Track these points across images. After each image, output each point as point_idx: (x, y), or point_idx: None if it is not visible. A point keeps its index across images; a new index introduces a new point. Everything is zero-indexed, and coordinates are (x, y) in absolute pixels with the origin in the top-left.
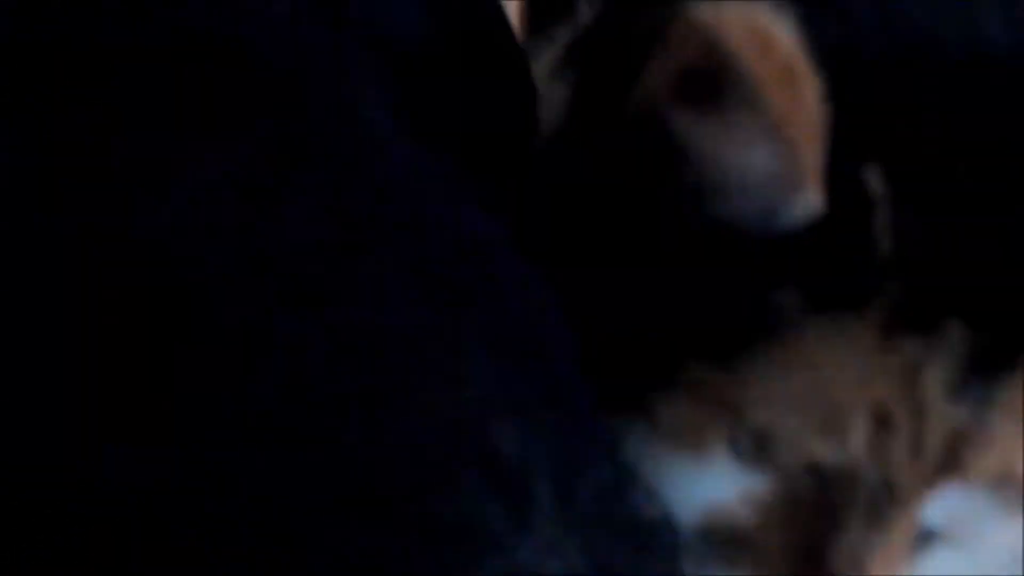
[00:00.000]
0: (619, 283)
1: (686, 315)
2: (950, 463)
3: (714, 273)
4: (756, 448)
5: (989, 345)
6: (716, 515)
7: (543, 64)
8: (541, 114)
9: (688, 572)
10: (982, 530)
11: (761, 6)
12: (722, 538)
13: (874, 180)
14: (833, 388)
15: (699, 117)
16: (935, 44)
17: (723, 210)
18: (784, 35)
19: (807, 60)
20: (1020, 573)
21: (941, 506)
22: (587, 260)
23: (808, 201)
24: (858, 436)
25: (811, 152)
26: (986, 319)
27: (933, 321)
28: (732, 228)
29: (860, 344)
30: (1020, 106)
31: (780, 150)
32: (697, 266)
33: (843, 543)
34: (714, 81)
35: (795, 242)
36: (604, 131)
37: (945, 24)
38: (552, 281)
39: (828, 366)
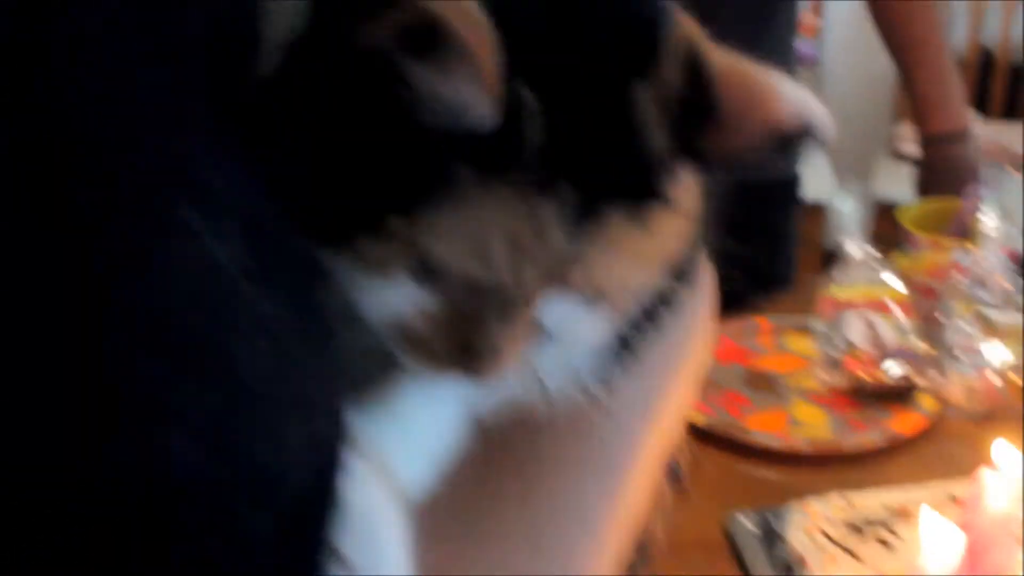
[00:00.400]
0: (331, 154)
1: (382, 182)
2: (559, 279)
3: (403, 148)
4: (429, 274)
5: (586, 199)
6: (401, 323)
7: None
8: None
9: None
10: (578, 329)
11: None
12: (405, 340)
13: (524, 92)
14: (485, 228)
15: (418, 59)
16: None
17: (426, 117)
18: None
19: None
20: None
21: (552, 310)
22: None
23: (488, 111)
24: (500, 260)
25: (491, 76)
26: (584, 183)
27: (552, 182)
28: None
29: (506, 198)
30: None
31: (475, 79)
32: (392, 147)
33: (486, 334)
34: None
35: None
36: (336, 50)
37: None
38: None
39: (484, 213)
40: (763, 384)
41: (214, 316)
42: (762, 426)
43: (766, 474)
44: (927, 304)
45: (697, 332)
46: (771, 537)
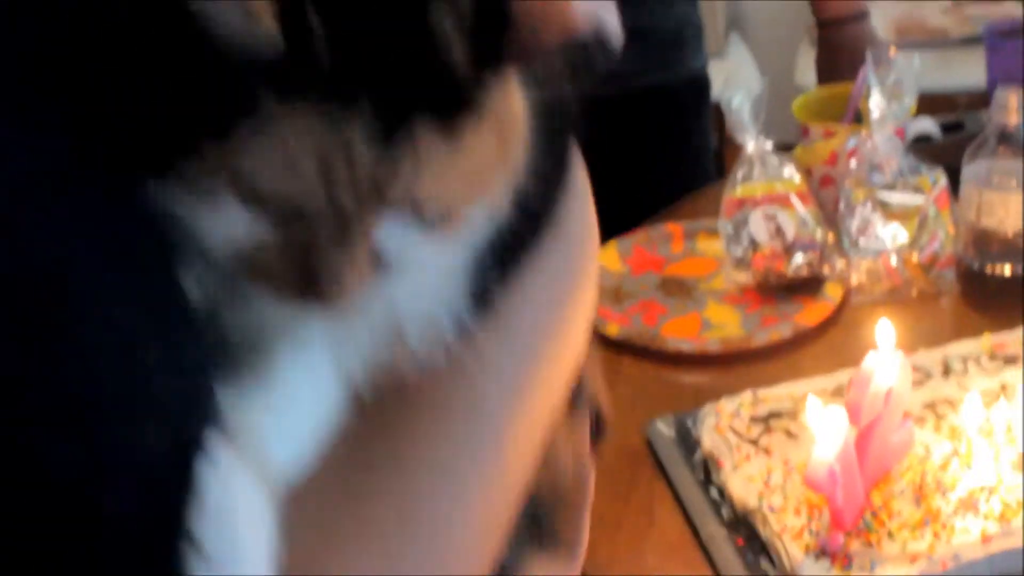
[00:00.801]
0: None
1: (190, 106)
2: (379, 198)
3: (203, 72)
4: (256, 199)
5: (391, 114)
6: (242, 254)
7: None
8: None
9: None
10: (422, 258)
11: None
12: (249, 271)
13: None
14: (293, 148)
15: None
16: None
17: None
18: None
19: None
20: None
21: (391, 238)
22: None
23: (262, 38)
24: (312, 179)
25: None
26: (387, 98)
27: (353, 99)
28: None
29: (309, 118)
30: None
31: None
32: (193, 72)
33: (324, 260)
34: None
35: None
36: None
37: None
38: None
39: (290, 133)
40: (677, 290)
41: (71, 316)
42: (676, 332)
43: (684, 378)
44: (826, 193)
45: (576, 266)
46: (687, 440)
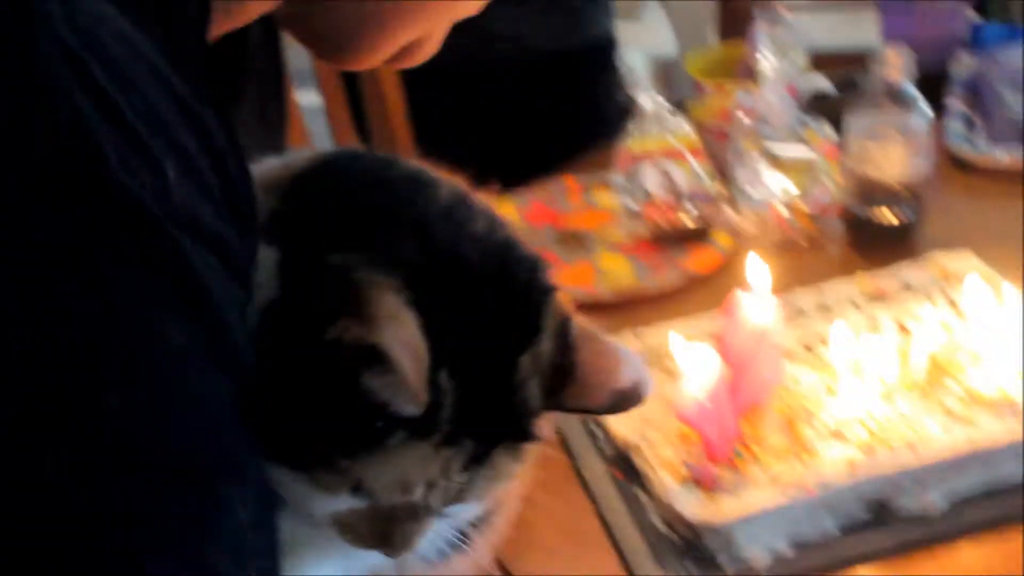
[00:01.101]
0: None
1: (336, 435)
2: (459, 501)
3: (353, 412)
4: (363, 494)
5: (482, 447)
6: (338, 517)
7: None
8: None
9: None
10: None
11: None
12: (339, 527)
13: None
14: (408, 472)
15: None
16: None
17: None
18: None
19: None
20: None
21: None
22: None
23: (413, 408)
24: (417, 493)
25: (418, 389)
26: (482, 435)
27: (459, 437)
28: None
29: (425, 451)
30: None
31: (405, 392)
32: (345, 411)
33: (402, 530)
34: None
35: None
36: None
37: None
38: None
39: (408, 462)
40: (573, 241)
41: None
42: (570, 280)
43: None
44: (718, 147)
45: None
46: None
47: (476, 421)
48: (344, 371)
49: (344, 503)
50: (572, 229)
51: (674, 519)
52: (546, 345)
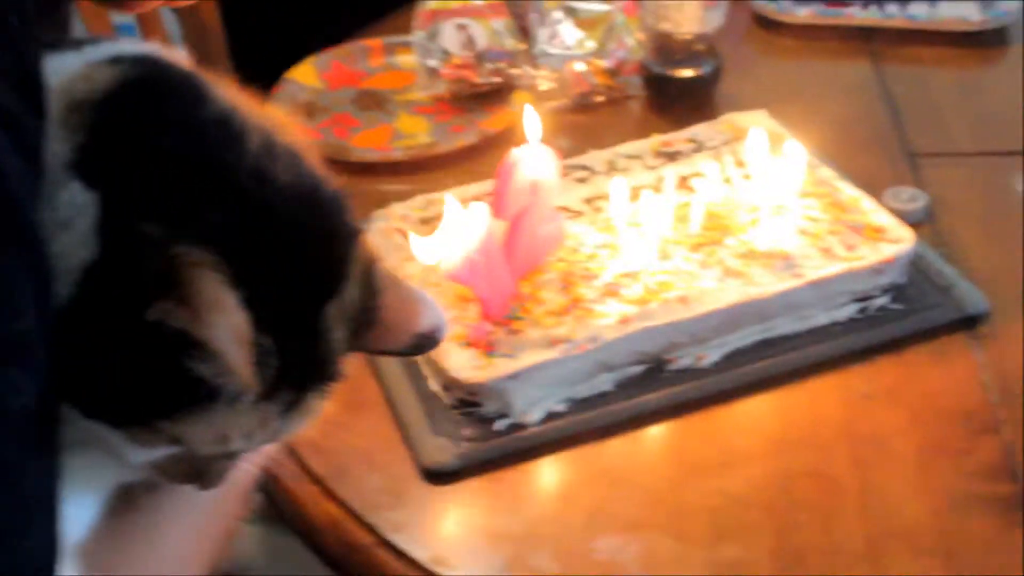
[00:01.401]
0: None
1: (155, 398)
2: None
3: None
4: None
5: (297, 395)
6: (154, 464)
7: None
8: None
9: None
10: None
11: None
12: (155, 469)
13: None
14: (227, 427)
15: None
16: None
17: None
18: None
19: None
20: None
21: None
22: None
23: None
24: (236, 444)
25: (245, 373)
26: (296, 385)
27: (276, 391)
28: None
29: (244, 408)
30: None
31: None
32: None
33: (217, 468)
34: None
35: None
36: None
37: None
38: None
39: (227, 419)
40: (372, 103)
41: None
42: (367, 143)
43: (372, 187)
44: (523, 5)
45: None
46: None
47: (290, 372)
48: (166, 352)
49: (160, 453)
50: (371, 89)
51: (450, 380)
52: (351, 293)
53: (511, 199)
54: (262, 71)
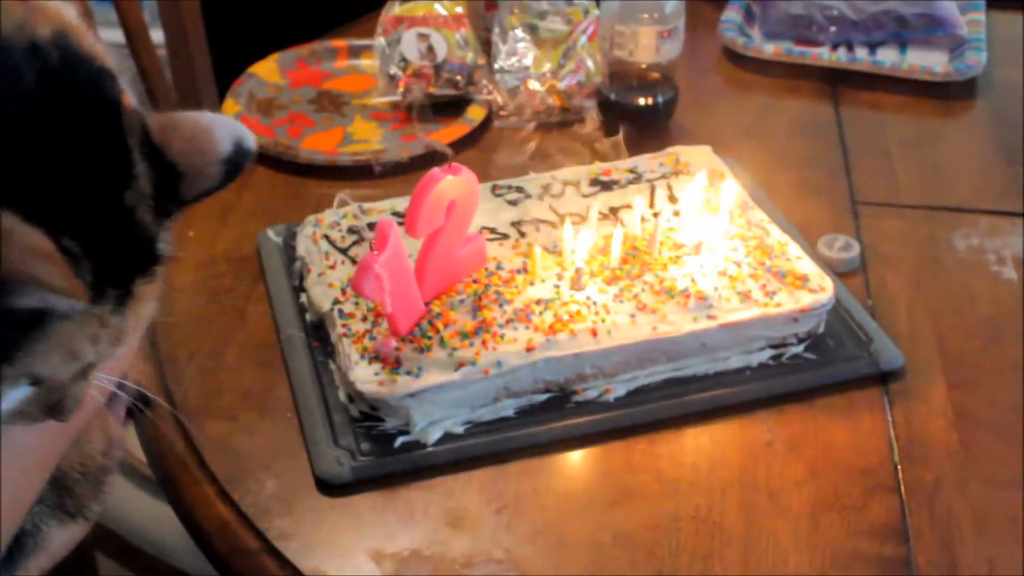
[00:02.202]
0: None
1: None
2: (119, 342)
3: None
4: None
5: (125, 288)
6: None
7: None
8: None
9: None
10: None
11: None
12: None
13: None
14: (72, 341)
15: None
16: None
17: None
18: None
19: None
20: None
21: None
22: None
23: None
24: (86, 354)
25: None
26: (122, 279)
27: (103, 291)
28: None
29: (81, 317)
30: None
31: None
32: None
33: (72, 395)
34: None
35: None
36: None
37: None
38: None
39: (67, 332)
40: (329, 104)
41: None
42: (317, 145)
43: (315, 191)
44: (490, 17)
45: None
46: (291, 249)
47: (108, 267)
48: None
49: (16, 396)
50: (331, 91)
51: (354, 392)
52: (140, 166)
53: (426, 218)
54: (241, 59)
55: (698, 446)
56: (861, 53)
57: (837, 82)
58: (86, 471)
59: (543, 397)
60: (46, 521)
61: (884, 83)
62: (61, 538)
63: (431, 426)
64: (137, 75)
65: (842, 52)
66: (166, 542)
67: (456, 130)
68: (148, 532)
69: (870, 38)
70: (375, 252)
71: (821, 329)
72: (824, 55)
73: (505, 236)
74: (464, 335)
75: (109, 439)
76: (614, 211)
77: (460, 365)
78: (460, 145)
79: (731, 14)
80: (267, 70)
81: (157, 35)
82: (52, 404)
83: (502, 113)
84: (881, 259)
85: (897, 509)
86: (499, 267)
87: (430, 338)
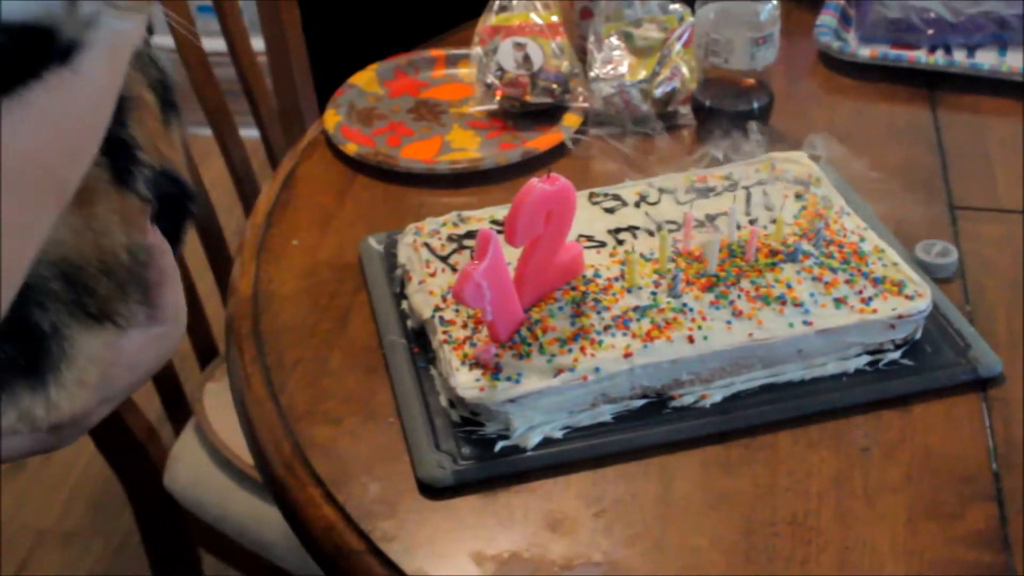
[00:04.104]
0: None
1: None
2: None
3: None
4: None
5: None
6: None
7: None
8: None
9: None
10: None
11: None
12: None
13: None
14: None
15: None
16: None
17: None
18: None
19: None
20: None
21: None
22: None
23: None
24: None
25: None
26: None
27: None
28: None
29: None
30: None
31: None
32: None
33: None
34: None
35: None
36: None
37: None
38: None
39: None
40: (427, 113)
41: None
42: (416, 153)
43: (415, 199)
44: (585, 25)
45: None
46: (392, 257)
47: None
48: None
49: None
50: (429, 100)
51: (455, 398)
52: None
53: (525, 227)
54: (341, 70)
55: (794, 452)
56: (959, 56)
57: (935, 85)
58: (106, 267)
59: (640, 403)
60: (64, 322)
61: (983, 86)
62: (91, 345)
63: (530, 431)
64: (238, 81)
65: (940, 55)
66: (270, 540)
67: (551, 137)
68: (251, 531)
69: (968, 40)
70: (475, 261)
71: (918, 335)
72: (921, 58)
73: (603, 244)
74: (562, 342)
75: (130, 235)
76: (710, 218)
77: (559, 371)
78: (556, 153)
79: (826, 18)
80: (366, 80)
81: (258, 43)
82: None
83: (598, 120)
84: (980, 264)
85: (996, 517)
86: (597, 275)
87: (529, 345)
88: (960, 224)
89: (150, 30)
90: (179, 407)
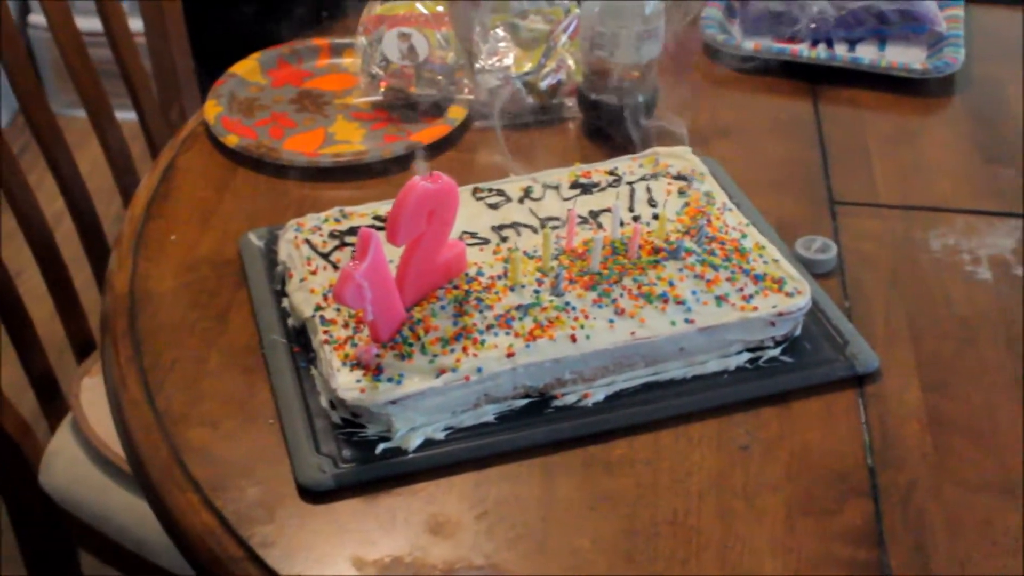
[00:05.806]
0: None
1: None
2: None
3: None
4: None
5: None
6: None
7: None
8: None
9: None
10: None
11: None
12: None
13: None
14: None
15: None
16: None
17: None
18: None
19: None
20: None
21: None
22: None
23: None
24: None
25: None
26: None
27: None
28: None
29: None
30: None
31: None
32: None
33: None
34: None
35: None
36: None
37: None
38: None
39: None
40: (311, 104)
41: None
42: (298, 146)
43: (296, 192)
44: (465, 16)
45: None
46: (273, 253)
47: None
48: None
49: None
50: (312, 90)
51: (336, 399)
52: None
53: (407, 227)
54: (223, 61)
55: (676, 450)
56: (840, 50)
57: (817, 79)
58: None
59: (523, 402)
60: None
61: (863, 80)
62: None
63: (412, 432)
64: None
65: (822, 49)
66: (150, 539)
67: (435, 130)
68: (131, 529)
69: (850, 34)
70: (356, 261)
71: (798, 332)
72: (803, 52)
73: (486, 241)
74: (445, 342)
75: None
76: (594, 215)
77: (441, 372)
78: (441, 145)
79: (712, 11)
80: (248, 69)
81: (136, 24)
82: None
83: (483, 113)
84: (858, 260)
85: (871, 512)
86: (480, 273)
87: (411, 345)
88: (840, 219)
89: (26, 7)
90: (55, 402)
